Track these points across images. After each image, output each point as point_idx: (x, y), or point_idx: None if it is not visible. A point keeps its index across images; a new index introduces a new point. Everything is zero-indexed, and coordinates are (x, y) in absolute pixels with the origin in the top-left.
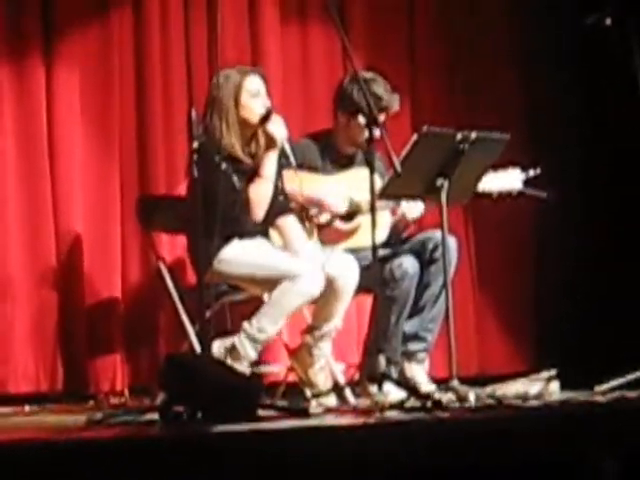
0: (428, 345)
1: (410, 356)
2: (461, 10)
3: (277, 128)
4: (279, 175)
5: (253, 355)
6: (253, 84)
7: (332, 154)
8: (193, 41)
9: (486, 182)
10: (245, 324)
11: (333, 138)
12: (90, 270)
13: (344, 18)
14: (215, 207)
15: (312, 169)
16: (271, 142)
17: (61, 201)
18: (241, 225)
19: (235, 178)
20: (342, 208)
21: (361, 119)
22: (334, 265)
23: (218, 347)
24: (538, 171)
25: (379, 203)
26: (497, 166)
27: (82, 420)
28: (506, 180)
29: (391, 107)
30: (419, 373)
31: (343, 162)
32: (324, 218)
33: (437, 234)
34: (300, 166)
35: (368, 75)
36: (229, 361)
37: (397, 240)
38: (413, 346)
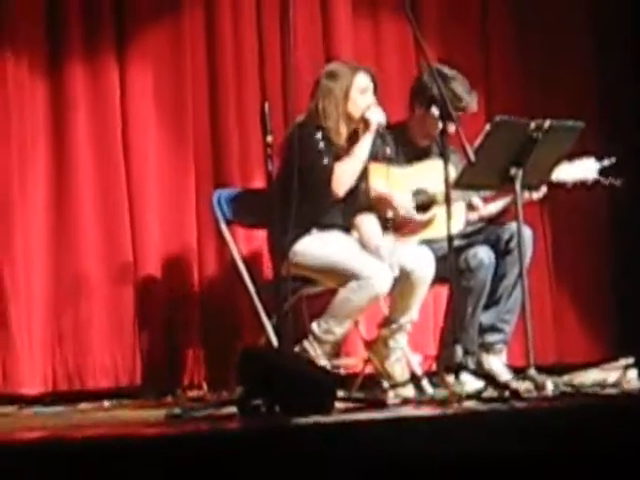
0: (505, 336)
1: (488, 348)
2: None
3: (374, 114)
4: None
5: (323, 356)
6: (363, 80)
7: (406, 146)
8: (265, 37)
9: (561, 172)
10: (313, 325)
11: (408, 130)
12: (167, 264)
13: (416, 11)
14: (303, 193)
15: (385, 160)
16: (366, 124)
17: (137, 196)
18: (322, 216)
19: (326, 159)
20: (409, 206)
21: (437, 112)
22: (409, 258)
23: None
24: (613, 160)
25: (454, 194)
26: (572, 156)
27: (161, 415)
28: (581, 169)
29: (470, 107)
30: (497, 364)
31: (418, 154)
32: (395, 214)
33: (512, 225)
34: (374, 158)
35: (449, 72)
36: None
37: (471, 231)
38: (490, 337)
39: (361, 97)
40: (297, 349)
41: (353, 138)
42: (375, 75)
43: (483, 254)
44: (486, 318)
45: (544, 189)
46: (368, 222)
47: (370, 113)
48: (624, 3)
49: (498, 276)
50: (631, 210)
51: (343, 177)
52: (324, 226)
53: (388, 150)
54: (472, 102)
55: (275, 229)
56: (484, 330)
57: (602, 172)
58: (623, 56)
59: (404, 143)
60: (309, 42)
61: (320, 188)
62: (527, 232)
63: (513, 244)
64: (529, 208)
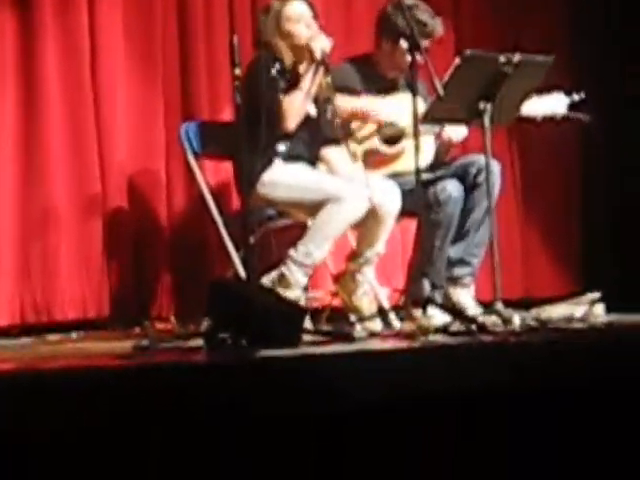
0: (473, 269)
1: (456, 281)
2: None
3: (317, 42)
4: (329, 102)
5: (303, 280)
6: (295, 9)
7: (374, 79)
8: None
9: (530, 106)
10: (291, 251)
11: (375, 63)
12: (135, 197)
13: None
14: (259, 127)
15: (353, 92)
16: (310, 54)
17: (105, 130)
18: (287, 148)
19: (281, 84)
20: (387, 116)
21: (405, 45)
22: (375, 191)
23: (267, 279)
24: (582, 95)
25: (422, 127)
26: (541, 90)
27: (129, 347)
28: (550, 104)
29: (436, 32)
30: (465, 297)
31: (386, 87)
32: (368, 130)
33: (480, 158)
34: (341, 89)
35: (410, 1)
36: (280, 290)
37: (440, 164)
38: (458, 271)
39: (295, 26)
40: (274, 275)
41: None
42: (311, 2)
43: (452, 188)
44: (454, 251)
45: (462, 132)
46: (336, 153)
47: (314, 41)
48: None
49: (466, 210)
50: (599, 146)
51: (289, 110)
52: (289, 157)
53: (357, 82)
54: (437, 26)
55: (240, 160)
56: (452, 263)
57: (571, 107)
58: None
59: (372, 75)
60: None
61: (275, 120)
62: (495, 166)
63: (481, 178)
64: (498, 141)
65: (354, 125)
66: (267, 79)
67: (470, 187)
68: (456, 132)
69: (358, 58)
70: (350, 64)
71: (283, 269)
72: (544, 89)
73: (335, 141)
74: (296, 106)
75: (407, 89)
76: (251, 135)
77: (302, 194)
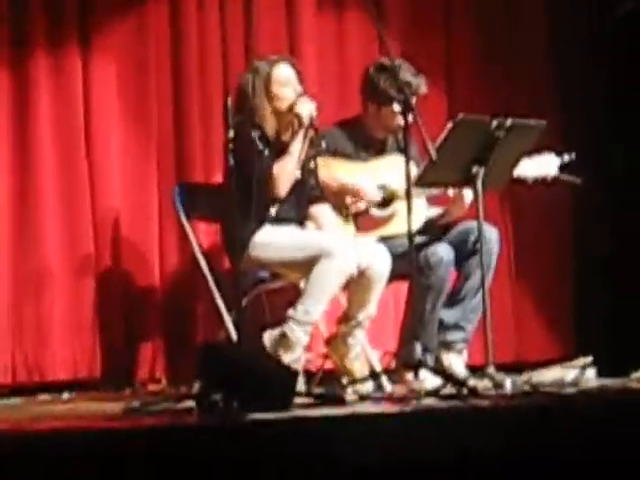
0: (467, 335)
1: (448, 346)
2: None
3: (303, 107)
4: (313, 162)
5: (305, 339)
6: (282, 72)
7: (363, 140)
8: (229, 30)
9: (521, 168)
10: (290, 311)
11: (363, 124)
12: (128, 257)
13: (380, 5)
14: (250, 189)
15: (345, 156)
16: (298, 119)
17: (99, 189)
18: (276, 212)
19: (268, 160)
20: (377, 196)
21: (394, 106)
22: (366, 254)
23: (268, 338)
24: (573, 156)
25: (414, 190)
26: (532, 151)
27: (120, 408)
28: (541, 166)
29: (420, 90)
30: (457, 363)
31: (375, 148)
32: (360, 206)
33: (484, 227)
34: (333, 153)
35: (392, 63)
36: (281, 350)
37: (434, 228)
38: (452, 336)
39: (283, 89)
40: (275, 335)
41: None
42: (297, 65)
43: (442, 251)
44: (449, 316)
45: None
46: (324, 211)
47: (299, 107)
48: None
49: (463, 276)
50: (592, 208)
51: (280, 176)
52: (278, 220)
53: (347, 146)
54: (421, 84)
55: (232, 223)
56: (446, 328)
57: (562, 168)
58: (581, 53)
59: (361, 138)
60: (273, 37)
61: (264, 186)
62: (494, 233)
63: (483, 246)
64: (491, 205)
65: (347, 200)
66: (250, 146)
67: (469, 253)
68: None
69: (347, 121)
70: (339, 128)
71: (285, 329)
72: (535, 150)
73: (323, 199)
74: (287, 172)
75: (396, 150)
76: (241, 199)
77: (292, 253)
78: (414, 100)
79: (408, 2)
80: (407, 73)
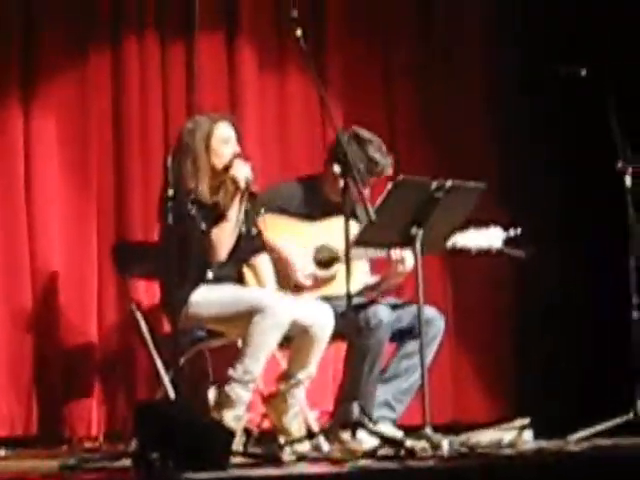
0: (397, 415)
1: (376, 420)
2: (435, 62)
3: (240, 170)
4: (252, 216)
5: (247, 397)
6: (223, 130)
7: (319, 200)
8: (171, 88)
9: (466, 239)
10: (230, 371)
11: (322, 185)
12: (66, 314)
13: (321, 69)
14: (186, 252)
15: (294, 214)
16: (235, 184)
17: (38, 246)
18: (212, 271)
19: (203, 224)
20: (308, 270)
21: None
22: (309, 313)
23: (213, 396)
24: (518, 231)
25: (356, 252)
26: (478, 223)
27: (56, 466)
28: (486, 238)
29: (384, 172)
30: (387, 429)
31: (328, 210)
32: (285, 269)
33: (428, 310)
34: (282, 211)
35: (366, 135)
36: (224, 409)
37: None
38: (382, 412)
39: (224, 147)
40: (217, 395)
41: (227, 189)
42: (235, 123)
43: (383, 313)
44: (383, 392)
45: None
46: (263, 264)
47: (235, 170)
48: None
49: (401, 354)
50: (533, 272)
51: (219, 242)
52: (215, 280)
53: (301, 204)
54: (387, 166)
55: (169, 282)
56: (378, 404)
57: (507, 242)
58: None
59: (317, 197)
60: (214, 94)
61: (203, 252)
62: (440, 320)
63: (425, 329)
64: (430, 265)
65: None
66: (184, 216)
67: (414, 334)
68: (407, 260)
69: (308, 178)
70: (298, 184)
71: (226, 388)
72: (481, 223)
73: (260, 249)
74: (225, 237)
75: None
76: (177, 259)
77: (225, 309)
78: (374, 179)
79: (348, 67)
80: (378, 152)
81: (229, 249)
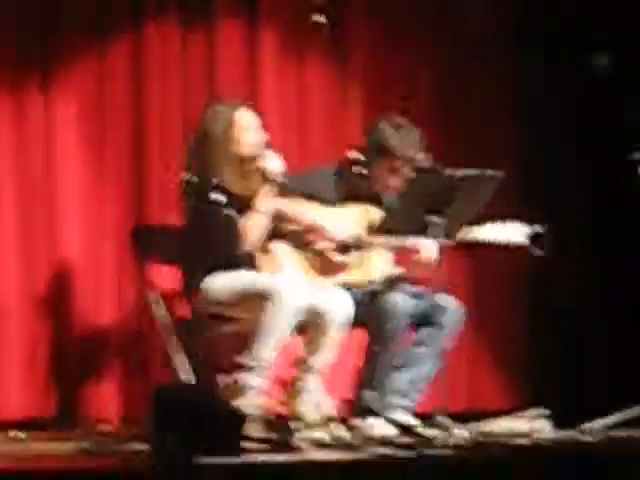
0: (413, 403)
1: (395, 408)
2: (460, 56)
3: (270, 163)
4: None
5: (257, 383)
6: (244, 118)
7: (345, 188)
8: (191, 74)
9: (490, 232)
10: (240, 357)
11: (349, 172)
12: (84, 299)
13: (343, 56)
14: (207, 239)
15: (322, 200)
16: (265, 175)
17: (56, 230)
18: (230, 257)
19: (229, 211)
20: (341, 236)
21: (385, 162)
22: (326, 300)
23: (223, 385)
24: (543, 228)
25: (379, 240)
26: (500, 218)
27: (72, 448)
28: (509, 231)
29: (413, 159)
30: (403, 418)
31: (352, 197)
32: (321, 245)
33: (446, 299)
34: (310, 197)
35: (400, 121)
36: (235, 396)
37: (400, 280)
38: (396, 400)
39: (245, 134)
40: (229, 382)
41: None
42: (256, 113)
43: (400, 300)
44: (401, 381)
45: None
46: (282, 249)
47: (266, 162)
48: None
49: (417, 341)
50: (551, 261)
51: (251, 233)
52: (232, 266)
53: (328, 192)
54: (416, 152)
55: (188, 266)
56: (395, 392)
57: (530, 238)
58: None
59: (344, 184)
60: (234, 84)
61: (229, 241)
62: (459, 309)
63: (442, 318)
64: (451, 259)
65: (310, 237)
66: (210, 207)
67: (431, 323)
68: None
69: (339, 165)
70: (332, 169)
71: (236, 376)
72: (505, 217)
73: (282, 235)
74: (256, 229)
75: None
76: (197, 245)
77: (240, 295)
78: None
79: (370, 55)
80: (408, 138)
81: (260, 239)
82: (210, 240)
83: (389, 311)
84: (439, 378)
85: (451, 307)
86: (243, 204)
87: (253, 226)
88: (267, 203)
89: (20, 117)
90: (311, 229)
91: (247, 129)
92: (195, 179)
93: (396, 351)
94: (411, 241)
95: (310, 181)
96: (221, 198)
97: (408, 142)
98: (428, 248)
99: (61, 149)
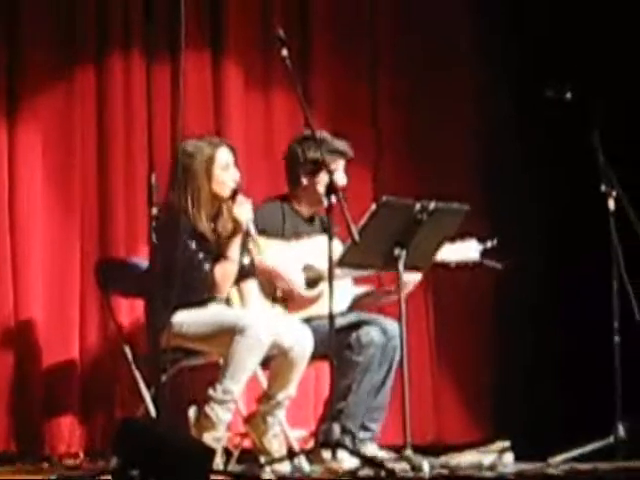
0: (373, 434)
1: (361, 440)
2: (421, 79)
3: (243, 211)
4: (246, 247)
5: (227, 417)
6: (224, 157)
7: (293, 220)
8: (155, 104)
9: (444, 252)
10: (210, 391)
11: (292, 202)
12: (47, 331)
13: (307, 89)
14: (174, 277)
15: (274, 235)
16: (237, 225)
17: (20, 261)
18: (197, 294)
19: (200, 255)
20: (298, 280)
21: (323, 175)
22: (288, 335)
23: (193, 414)
24: (495, 242)
25: (340, 271)
26: (455, 236)
27: None
28: (464, 250)
29: (348, 152)
30: (371, 449)
31: (304, 228)
32: (283, 286)
33: (390, 325)
34: (262, 232)
35: (310, 132)
36: (204, 429)
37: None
38: (366, 433)
39: (225, 174)
40: (197, 415)
41: (224, 217)
42: (234, 148)
43: (375, 334)
44: (362, 412)
45: (418, 275)
46: (251, 289)
47: (239, 210)
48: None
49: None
50: (513, 291)
51: (224, 281)
52: (199, 303)
53: (278, 224)
54: (347, 148)
55: (154, 302)
56: (359, 423)
57: (484, 254)
58: (515, 136)
59: (291, 216)
60: (200, 111)
61: (194, 283)
62: (396, 328)
63: (392, 344)
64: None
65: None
66: (177, 241)
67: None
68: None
69: (277, 198)
70: (272, 204)
71: (206, 409)
72: (458, 235)
73: (250, 274)
74: (228, 275)
75: (321, 231)
76: (163, 280)
77: (207, 328)
78: (344, 164)
79: (334, 86)
80: (333, 140)
81: (229, 286)
82: (176, 278)
83: (364, 342)
84: (404, 411)
85: (392, 327)
86: (210, 248)
87: (224, 275)
88: (237, 251)
89: None
90: (267, 273)
91: (226, 168)
92: (168, 217)
93: (367, 381)
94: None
95: (264, 216)
96: (191, 244)
97: (333, 140)
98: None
99: (25, 180)
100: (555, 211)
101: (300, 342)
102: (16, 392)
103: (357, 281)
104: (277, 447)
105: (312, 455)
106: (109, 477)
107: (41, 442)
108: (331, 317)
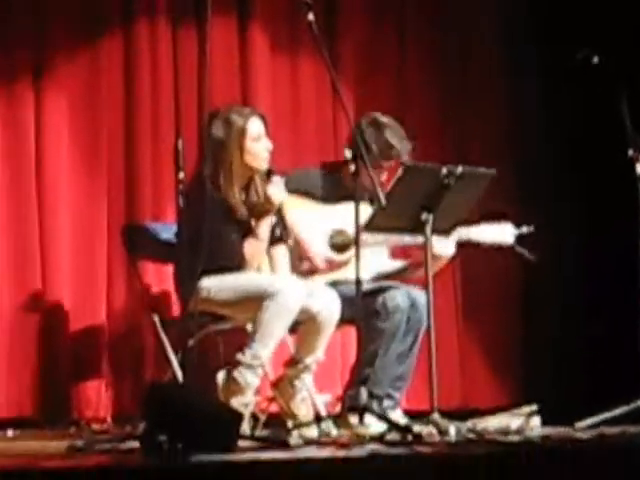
0: (395, 402)
1: (388, 405)
2: (452, 50)
3: (276, 192)
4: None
5: (255, 382)
6: (255, 128)
7: (337, 187)
8: (182, 70)
9: (478, 232)
10: (239, 355)
11: (342, 171)
12: (75, 296)
13: (334, 54)
14: (201, 247)
15: (311, 197)
16: (270, 205)
17: (47, 227)
18: (225, 262)
19: (228, 227)
20: (322, 254)
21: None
22: (318, 299)
23: (222, 378)
24: (531, 229)
25: (372, 237)
26: (491, 217)
27: (63, 446)
28: (499, 233)
29: (401, 156)
30: (394, 415)
31: (346, 196)
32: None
33: (413, 292)
34: (295, 191)
35: (384, 120)
36: (232, 394)
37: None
38: (392, 398)
39: (256, 145)
40: (225, 379)
41: (257, 191)
42: (265, 117)
43: (400, 298)
44: (390, 377)
45: (451, 249)
46: (280, 254)
47: (272, 190)
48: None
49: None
50: (539, 266)
51: (253, 258)
52: (227, 269)
53: (319, 191)
54: (403, 151)
55: (181, 266)
56: (386, 388)
57: (519, 240)
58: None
59: (336, 184)
60: (226, 81)
61: (226, 254)
62: (422, 297)
63: (416, 314)
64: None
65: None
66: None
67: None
68: (441, 247)
69: (328, 165)
70: (319, 171)
71: (234, 374)
72: (493, 217)
73: (283, 240)
74: (257, 254)
75: (366, 200)
76: (193, 248)
77: (236, 294)
78: (392, 163)
79: (361, 51)
80: (395, 137)
81: (258, 264)
82: (203, 249)
83: (389, 308)
84: (431, 376)
85: (420, 298)
86: (241, 221)
87: (254, 253)
88: (267, 232)
89: (10, 112)
90: (301, 245)
91: (258, 138)
92: (196, 188)
93: (395, 347)
94: (409, 239)
95: (301, 180)
96: (220, 215)
97: (395, 140)
98: (443, 245)
99: (52, 147)
100: (582, 181)
101: (328, 306)
102: (44, 357)
103: (394, 255)
104: (304, 411)
105: (339, 420)
106: (137, 442)
107: (69, 407)
108: (358, 282)
